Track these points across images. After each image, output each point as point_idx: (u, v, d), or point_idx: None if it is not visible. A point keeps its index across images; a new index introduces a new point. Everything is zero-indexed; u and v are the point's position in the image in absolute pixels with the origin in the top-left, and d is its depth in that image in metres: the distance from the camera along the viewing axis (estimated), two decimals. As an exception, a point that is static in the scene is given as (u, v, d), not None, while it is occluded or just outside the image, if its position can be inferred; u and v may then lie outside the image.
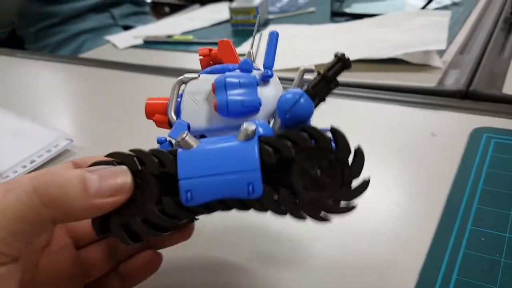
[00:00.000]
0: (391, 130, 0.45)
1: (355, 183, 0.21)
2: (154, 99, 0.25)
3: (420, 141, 0.42)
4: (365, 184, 0.21)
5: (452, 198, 0.33)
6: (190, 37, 0.83)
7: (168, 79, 0.64)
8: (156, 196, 0.22)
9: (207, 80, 0.24)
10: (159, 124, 0.25)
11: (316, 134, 0.21)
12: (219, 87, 0.22)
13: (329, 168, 0.21)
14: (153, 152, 0.22)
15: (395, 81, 0.55)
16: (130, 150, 0.22)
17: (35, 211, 0.19)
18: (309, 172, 0.21)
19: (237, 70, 0.24)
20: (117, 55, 0.79)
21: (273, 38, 0.23)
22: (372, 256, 0.30)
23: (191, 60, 0.73)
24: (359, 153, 0.21)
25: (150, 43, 0.84)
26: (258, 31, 0.26)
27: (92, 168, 0.21)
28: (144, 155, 0.22)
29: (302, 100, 0.21)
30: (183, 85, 0.24)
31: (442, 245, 0.29)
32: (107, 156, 0.22)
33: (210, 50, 0.25)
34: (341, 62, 0.22)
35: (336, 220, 0.22)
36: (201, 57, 0.25)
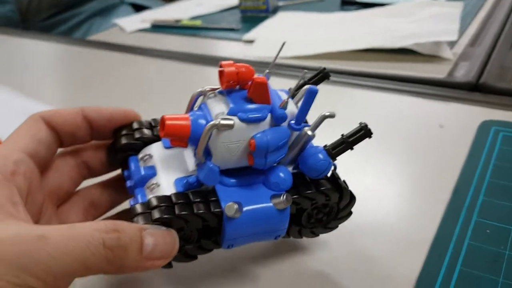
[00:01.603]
0: (399, 121, 0.45)
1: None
2: (173, 119, 0.23)
3: (428, 132, 0.42)
4: (349, 215, 0.28)
5: (458, 189, 0.33)
6: (198, 22, 0.82)
7: (177, 64, 0.64)
8: (196, 239, 0.25)
9: (247, 131, 0.23)
10: (174, 144, 0.24)
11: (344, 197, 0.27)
12: (260, 151, 0.23)
13: (329, 211, 0.28)
14: (200, 213, 0.23)
15: (405, 71, 0.54)
16: (177, 206, 0.23)
17: (98, 264, 0.19)
18: (313, 216, 0.27)
19: (269, 115, 0.24)
20: (125, 38, 0.79)
21: (312, 96, 0.24)
22: (376, 246, 0.30)
23: (199, 45, 0.73)
24: (353, 199, 0.27)
25: (158, 27, 0.83)
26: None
27: (148, 229, 0.21)
28: (190, 217, 0.23)
29: (329, 164, 0.25)
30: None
31: (447, 236, 0.29)
32: (155, 220, 0.22)
33: (237, 73, 0.24)
34: (364, 132, 0.25)
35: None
36: (221, 68, 0.24)
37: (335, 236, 0.30)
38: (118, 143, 0.27)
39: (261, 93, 0.24)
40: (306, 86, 0.25)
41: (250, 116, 0.23)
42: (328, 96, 0.50)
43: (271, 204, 0.25)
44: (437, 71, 0.53)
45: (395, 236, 0.30)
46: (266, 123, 0.24)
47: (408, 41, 0.58)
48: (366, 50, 0.60)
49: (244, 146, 0.24)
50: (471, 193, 0.33)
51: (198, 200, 0.24)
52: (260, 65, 0.60)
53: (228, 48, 0.71)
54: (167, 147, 0.27)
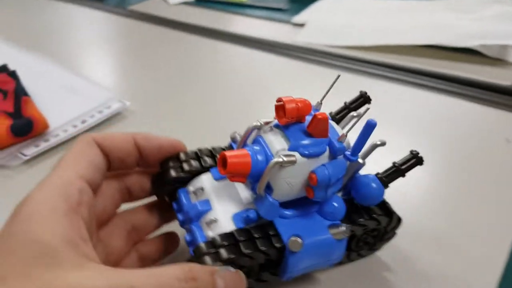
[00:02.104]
0: (460, 130, 0.45)
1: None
2: (234, 157, 0.25)
3: (493, 146, 0.42)
4: (393, 236, 0.31)
5: None
6: None
7: (220, 44, 0.66)
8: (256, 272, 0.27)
9: (306, 165, 0.25)
10: (233, 180, 0.26)
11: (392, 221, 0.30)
12: (321, 185, 0.25)
13: (376, 234, 0.31)
14: (264, 250, 0.25)
15: (466, 73, 0.54)
16: (241, 243, 0.25)
17: None
18: (362, 240, 0.30)
19: (327, 148, 0.26)
20: (167, 10, 0.80)
21: (370, 129, 0.26)
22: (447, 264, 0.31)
23: (244, 25, 0.74)
24: (400, 222, 0.30)
25: (202, 1, 0.85)
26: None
27: (218, 272, 0.23)
28: (255, 254, 0.25)
29: (382, 193, 0.28)
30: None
31: None
32: (223, 260, 0.24)
33: (298, 109, 0.25)
34: (416, 160, 0.28)
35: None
36: (279, 103, 0.26)
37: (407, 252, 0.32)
38: (167, 176, 0.29)
39: (321, 128, 0.25)
40: (353, 113, 0.28)
41: (311, 151, 0.25)
42: (384, 95, 0.52)
43: (330, 235, 0.27)
44: (502, 77, 0.53)
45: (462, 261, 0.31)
46: (325, 156, 0.26)
47: (474, 41, 0.58)
48: (427, 46, 0.60)
49: (304, 180, 0.26)
50: None
51: (260, 235, 0.26)
52: (309, 52, 0.62)
53: (275, 30, 0.72)
54: (217, 179, 0.29)
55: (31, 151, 0.43)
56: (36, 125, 0.43)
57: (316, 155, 0.25)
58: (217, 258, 0.25)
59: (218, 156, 0.30)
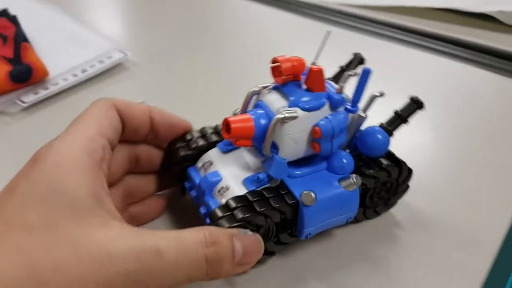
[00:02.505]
0: (472, 98, 0.45)
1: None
2: (237, 122, 0.26)
3: (507, 120, 0.42)
4: (406, 189, 0.32)
5: None
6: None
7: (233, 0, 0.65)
8: (275, 234, 0.28)
9: (308, 120, 0.26)
10: (240, 144, 0.27)
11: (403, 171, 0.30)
12: (326, 137, 0.26)
13: (389, 188, 0.31)
14: (278, 207, 0.26)
15: (482, 40, 0.53)
16: (255, 203, 0.26)
17: (199, 277, 0.22)
18: (375, 195, 0.31)
19: (327, 102, 0.26)
20: None
21: (366, 76, 0.27)
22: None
23: None
24: (411, 172, 0.31)
25: None
26: None
27: (236, 235, 0.24)
28: (270, 212, 0.26)
29: (388, 142, 0.29)
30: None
31: None
32: (239, 220, 0.25)
33: (293, 67, 0.26)
34: (416, 105, 0.29)
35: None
36: (275, 64, 0.26)
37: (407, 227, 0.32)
38: (176, 155, 0.30)
39: (318, 81, 0.26)
40: (349, 72, 0.28)
41: (311, 105, 0.26)
42: (396, 59, 0.52)
43: (342, 187, 0.27)
44: None
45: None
46: (325, 110, 0.26)
47: (491, 7, 0.57)
48: (442, 9, 0.59)
49: (308, 134, 0.26)
50: None
51: (273, 195, 0.26)
52: (322, 11, 0.62)
53: None
54: (224, 152, 0.29)
55: (30, 98, 0.42)
56: (35, 72, 0.43)
57: (317, 108, 0.26)
58: (232, 220, 0.25)
59: (218, 132, 0.31)
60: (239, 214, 0.25)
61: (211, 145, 0.30)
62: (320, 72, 0.26)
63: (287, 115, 0.25)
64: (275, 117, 0.25)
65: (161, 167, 0.31)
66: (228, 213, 0.25)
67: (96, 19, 0.61)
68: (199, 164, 0.30)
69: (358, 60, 0.32)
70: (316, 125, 0.26)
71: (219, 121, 0.39)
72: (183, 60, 0.51)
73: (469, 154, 0.38)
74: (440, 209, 0.33)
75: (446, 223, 0.32)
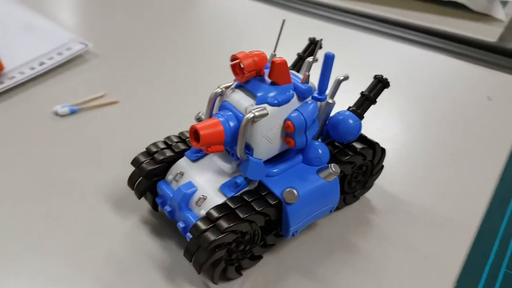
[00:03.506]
0: (442, 86, 0.46)
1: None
2: (205, 128, 0.25)
3: (474, 104, 0.43)
4: (381, 169, 0.32)
5: (506, 178, 0.36)
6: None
7: None
8: (261, 237, 0.27)
9: (278, 115, 0.25)
10: (212, 150, 0.26)
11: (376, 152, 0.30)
12: (299, 130, 0.25)
13: (365, 171, 0.31)
14: (261, 210, 0.25)
15: (451, 28, 0.54)
16: (238, 210, 0.25)
17: None
18: (354, 179, 0.31)
19: (295, 93, 0.26)
20: None
21: (330, 61, 0.26)
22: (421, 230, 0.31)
23: None
24: (384, 152, 0.31)
25: None
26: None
27: None
28: (255, 217, 0.25)
29: (360, 125, 0.29)
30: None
31: (491, 233, 0.31)
32: (224, 231, 0.24)
33: (255, 63, 0.25)
34: (381, 84, 0.29)
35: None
36: (235, 61, 0.25)
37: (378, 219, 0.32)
38: (142, 171, 0.28)
39: (282, 73, 0.25)
40: (309, 59, 0.28)
41: (279, 99, 0.25)
42: (365, 48, 0.51)
43: (321, 178, 0.27)
44: (487, 34, 0.54)
45: (443, 210, 0.32)
46: (294, 102, 0.26)
47: None
48: None
49: (280, 130, 0.26)
50: None
51: (254, 198, 0.25)
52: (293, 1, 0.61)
53: None
54: (194, 160, 0.28)
55: (-15, 93, 0.40)
56: (-11, 66, 0.41)
57: (285, 101, 0.25)
58: (217, 231, 0.24)
59: (187, 140, 0.30)
60: (224, 224, 0.24)
61: (178, 155, 0.29)
62: (284, 64, 0.25)
63: (257, 113, 0.24)
64: (245, 118, 0.24)
65: (131, 188, 0.30)
66: (211, 224, 0.24)
67: (55, 10, 0.58)
68: (169, 176, 0.28)
69: (316, 45, 0.32)
70: (288, 119, 0.25)
71: (181, 116, 0.38)
72: (145, 52, 0.50)
73: (439, 140, 0.39)
74: (413, 192, 0.34)
75: (419, 206, 0.32)
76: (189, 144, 0.29)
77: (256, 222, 0.25)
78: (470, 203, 0.33)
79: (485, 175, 0.35)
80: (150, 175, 0.28)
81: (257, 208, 0.25)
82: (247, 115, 0.24)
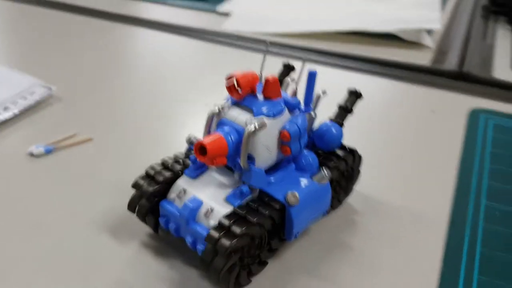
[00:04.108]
0: (391, 104, 0.51)
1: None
2: (211, 142, 0.27)
3: (421, 117, 0.49)
4: (358, 174, 0.36)
5: (462, 173, 0.39)
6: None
7: (146, 31, 0.69)
8: (267, 242, 0.29)
9: (274, 126, 0.28)
10: (217, 163, 0.28)
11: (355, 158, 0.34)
12: (294, 138, 0.28)
13: (347, 176, 0.34)
14: (268, 212, 0.27)
15: (389, 56, 0.61)
16: (248, 215, 0.27)
17: None
18: (338, 184, 0.33)
19: (286, 107, 0.29)
20: None
21: (313, 77, 0.30)
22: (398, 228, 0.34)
23: (169, 13, 0.75)
24: (360, 159, 0.35)
25: None
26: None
27: None
28: (263, 220, 0.27)
29: (342, 134, 0.32)
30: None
31: (462, 219, 0.34)
32: (238, 235, 0.26)
33: (250, 81, 0.28)
34: (355, 96, 0.34)
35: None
36: (230, 80, 0.28)
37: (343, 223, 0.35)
38: (145, 193, 0.29)
39: (275, 89, 0.28)
40: (287, 78, 0.32)
41: (274, 111, 0.28)
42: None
43: (316, 182, 0.30)
44: (420, 58, 0.61)
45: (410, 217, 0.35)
46: (286, 114, 0.29)
47: (393, 26, 0.65)
48: (350, 32, 0.66)
49: (277, 140, 0.28)
50: (476, 177, 0.39)
51: (259, 204, 0.27)
52: (238, 39, 0.66)
53: (201, 19, 0.73)
54: (194, 177, 0.30)
55: None
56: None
57: (279, 113, 0.28)
58: (232, 236, 0.25)
59: (181, 161, 0.31)
60: (237, 229, 0.26)
61: (177, 175, 0.30)
62: (276, 81, 0.28)
63: (257, 124, 0.27)
64: (247, 129, 0.27)
65: (132, 211, 0.31)
66: (225, 231, 0.26)
67: (10, 57, 0.59)
68: (172, 195, 0.30)
69: (288, 69, 0.36)
70: (283, 128, 0.28)
71: (156, 144, 0.42)
72: (108, 91, 0.52)
73: (399, 147, 0.44)
74: (387, 193, 0.37)
75: (395, 204, 0.36)
76: (185, 164, 0.31)
77: (265, 225, 0.27)
78: (438, 196, 0.37)
79: (444, 170, 0.40)
80: (152, 196, 0.30)
81: (264, 212, 0.27)
82: (249, 127, 0.27)
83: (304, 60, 0.30)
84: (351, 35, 0.67)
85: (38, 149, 0.40)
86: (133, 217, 0.32)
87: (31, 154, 0.39)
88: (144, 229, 0.32)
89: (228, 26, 0.71)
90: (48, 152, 0.40)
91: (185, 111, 0.49)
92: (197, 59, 0.62)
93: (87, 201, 0.35)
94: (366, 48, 0.64)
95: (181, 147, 0.33)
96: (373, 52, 0.63)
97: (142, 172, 0.31)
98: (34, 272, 0.29)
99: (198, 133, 0.32)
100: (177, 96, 0.52)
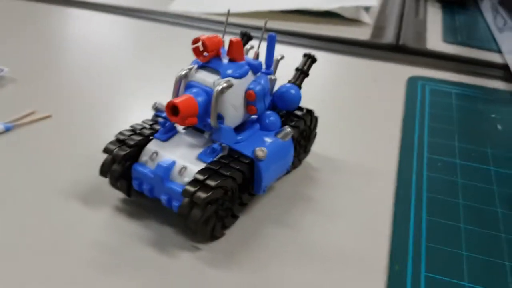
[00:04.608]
0: (336, 77, 0.55)
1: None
2: (183, 102, 0.28)
3: (365, 86, 0.53)
4: (315, 135, 0.38)
5: (405, 132, 0.43)
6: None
7: (92, 13, 0.69)
8: (238, 196, 0.30)
9: (240, 87, 0.30)
10: (188, 123, 0.29)
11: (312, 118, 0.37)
12: (259, 97, 0.30)
13: (305, 136, 0.36)
14: (239, 168, 0.29)
15: (332, 32, 0.65)
16: (221, 169, 0.28)
17: None
18: (298, 143, 0.35)
19: (250, 68, 0.30)
20: None
21: (273, 41, 0.32)
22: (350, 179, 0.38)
23: None
24: (316, 120, 0.37)
25: None
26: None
27: None
28: (235, 174, 0.29)
29: (300, 95, 0.34)
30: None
31: (408, 170, 0.38)
32: (214, 187, 0.27)
33: (215, 43, 0.29)
34: (311, 59, 0.36)
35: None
36: (196, 44, 0.29)
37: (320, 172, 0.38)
38: (117, 156, 0.30)
39: (239, 51, 0.30)
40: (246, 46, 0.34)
41: (240, 72, 0.29)
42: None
43: (280, 139, 0.32)
44: (361, 34, 0.66)
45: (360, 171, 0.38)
46: (250, 75, 0.30)
47: (334, 5, 0.69)
48: (295, 11, 0.70)
49: (243, 100, 0.30)
50: (417, 135, 0.43)
51: (230, 160, 0.29)
52: (186, 19, 0.68)
53: (149, 1, 0.74)
54: (164, 140, 0.31)
55: None
56: None
57: (245, 74, 0.30)
58: (208, 188, 0.27)
59: (149, 126, 0.32)
60: (212, 182, 0.27)
61: (147, 139, 0.31)
62: (240, 43, 0.30)
63: (225, 85, 0.28)
64: (215, 89, 0.28)
65: (104, 176, 0.31)
66: (200, 185, 0.27)
67: None
68: (144, 158, 0.31)
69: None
70: (249, 89, 0.30)
71: (116, 115, 0.44)
72: (60, 70, 0.52)
73: (347, 110, 0.48)
74: (341, 152, 0.40)
75: (349, 161, 0.39)
76: (154, 129, 0.32)
77: (236, 179, 0.29)
78: (386, 152, 0.40)
79: (389, 129, 0.44)
80: (123, 160, 0.30)
81: (235, 167, 0.29)
82: (217, 87, 0.28)
83: (265, 22, 0.32)
84: (295, 14, 0.71)
85: (-2, 127, 0.39)
86: (102, 185, 0.33)
87: (-10, 132, 0.39)
88: (115, 195, 0.33)
89: (176, 7, 0.72)
90: (8, 129, 0.39)
91: (140, 86, 0.49)
92: (147, 38, 0.63)
93: (53, 174, 0.35)
94: (311, 26, 0.68)
95: (144, 118, 0.34)
96: (317, 29, 0.67)
97: (106, 142, 0.32)
98: (7, 247, 0.29)
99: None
100: (128, 72, 0.53)
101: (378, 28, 0.69)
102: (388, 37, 0.66)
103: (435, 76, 0.55)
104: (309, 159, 0.38)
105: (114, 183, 0.31)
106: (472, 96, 0.51)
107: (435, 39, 0.66)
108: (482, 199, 0.35)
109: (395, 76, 0.55)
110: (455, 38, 0.67)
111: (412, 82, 0.53)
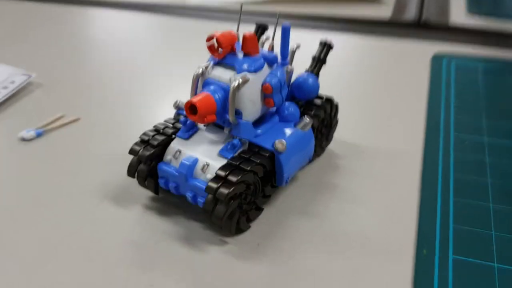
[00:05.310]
0: (359, 58, 0.54)
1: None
2: (200, 101, 0.28)
3: (388, 66, 0.52)
4: (337, 123, 0.38)
5: (431, 110, 0.42)
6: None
7: (110, 12, 0.70)
8: (261, 189, 0.31)
9: (257, 81, 0.30)
10: (207, 120, 0.29)
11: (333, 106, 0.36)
12: (276, 90, 0.30)
13: (326, 124, 0.36)
14: (260, 161, 0.29)
15: (353, 13, 0.64)
16: (241, 165, 0.28)
17: None
18: (320, 132, 0.35)
19: (265, 62, 0.30)
20: None
21: (287, 31, 0.32)
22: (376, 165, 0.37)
23: None
24: (337, 108, 0.37)
25: None
26: None
27: None
28: (256, 168, 0.29)
29: (318, 83, 0.34)
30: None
31: (434, 150, 0.37)
32: (235, 182, 0.27)
33: (230, 39, 0.29)
34: (327, 47, 0.35)
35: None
36: (210, 41, 0.29)
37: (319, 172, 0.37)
38: (143, 157, 0.31)
39: (253, 45, 0.30)
40: (262, 38, 0.34)
41: (255, 67, 0.29)
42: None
43: (300, 130, 0.32)
44: (382, 12, 0.64)
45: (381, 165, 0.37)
46: (266, 68, 0.30)
47: None
48: None
49: (260, 93, 0.30)
50: (443, 114, 0.42)
51: (250, 154, 0.29)
52: (204, 10, 0.69)
53: None
54: (186, 138, 0.31)
55: None
56: None
57: (260, 68, 0.30)
58: (230, 185, 0.27)
59: (172, 125, 0.33)
60: (233, 178, 0.28)
61: (170, 138, 0.32)
62: (254, 37, 0.29)
63: (241, 80, 0.28)
64: (232, 85, 0.28)
65: (131, 176, 0.32)
66: (222, 181, 0.28)
67: None
68: (168, 157, 0.31)
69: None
70: (265, 82, 0.30)
71: (142, 116, 0.44)
72: (88, 74, 0.53)
73: (370, 94, 0.47)
74: (364, 136, 0.40)
75: (373, 146, 0.39)
76: (176, 127, 0.32)
77: (258, 173, 0.29)
78: (411, 133, 0.40)
79: (414, 109, 0.43)
80: (149, 159, 0.31)
81: (256, 161, 0.29)
82: (233, 83, 0.28)
83: (278, 15, 0.32)
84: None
85: (29, 133, 0.40)
86: (131, 185, 0.34)
87: (23, 139, 0.40)
88: (144, 193, 0.34)
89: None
90: (39, 135, 0.41)
91: (162, 84, 0.50)
92: (166, 33, 0.64)
93: (85, 175, 0.36)
94: (328, 7, 0.67)
95: (166, 116, 0.35)
96: (335, 10, 0.65)
97: (132, 141, 0.32)
98: (44, 249, 0.30)
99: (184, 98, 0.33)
100: (149, 69, 0.53)
101: (399, 5, 0.67)
102: (410, 14, 0.64)
103: (460, 51, 0.53)
104: (332, 146, 0.38)
105: (142, 183, 0.32)
106: (500, 70, 0.49)
107: (458, 12, 0.64)
108: (510, 178, 0.34)
109: (419, 54, 0.53)
110: (479, 8, 0.65)
111: (437, 59, 0.52)
